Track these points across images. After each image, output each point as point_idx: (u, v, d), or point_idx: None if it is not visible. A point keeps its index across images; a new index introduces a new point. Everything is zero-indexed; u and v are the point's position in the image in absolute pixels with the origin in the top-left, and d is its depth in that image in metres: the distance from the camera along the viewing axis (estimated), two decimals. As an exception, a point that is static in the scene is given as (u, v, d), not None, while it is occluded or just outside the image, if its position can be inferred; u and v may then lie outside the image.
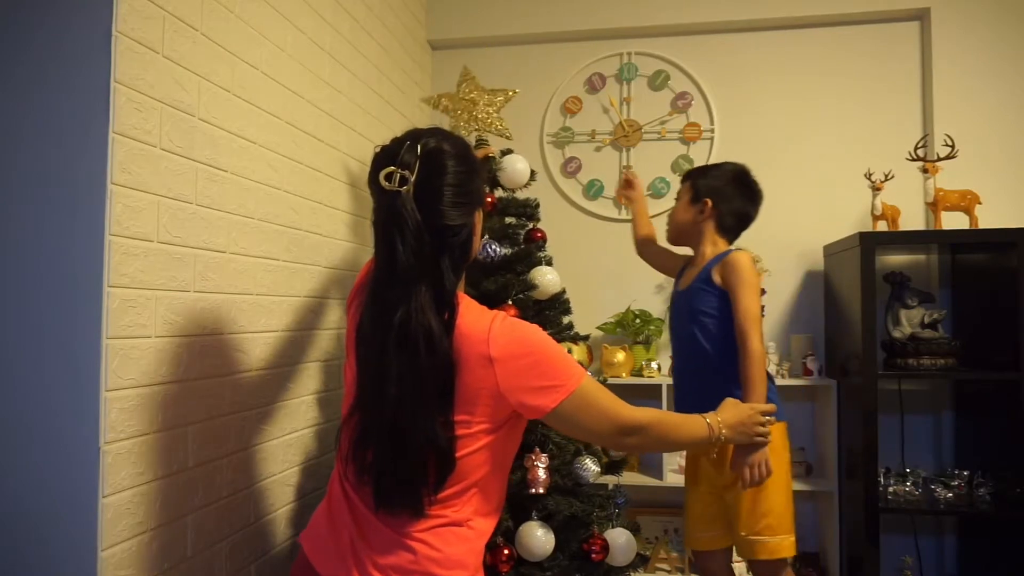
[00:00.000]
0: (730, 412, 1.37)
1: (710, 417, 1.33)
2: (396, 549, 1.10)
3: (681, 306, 1.95)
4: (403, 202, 1.08)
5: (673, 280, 2.13)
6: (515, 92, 2.23)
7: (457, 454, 1.10)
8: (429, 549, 1.10)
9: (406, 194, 1.08)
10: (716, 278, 1.85)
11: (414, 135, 1.16)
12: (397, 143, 1.14)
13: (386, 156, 1.12)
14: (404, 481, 1.09)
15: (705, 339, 1.86)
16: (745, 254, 1.84)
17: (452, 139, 1.18)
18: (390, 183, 1.08)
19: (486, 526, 1.19)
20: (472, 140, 2.12)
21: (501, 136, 2.20)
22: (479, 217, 1.21)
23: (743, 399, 1.69)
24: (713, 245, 1.94)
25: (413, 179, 1.09)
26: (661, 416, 1.25)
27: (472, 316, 1.11)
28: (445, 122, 2.26)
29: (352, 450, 1.13)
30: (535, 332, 1.13)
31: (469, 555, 1.14)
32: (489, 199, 2.01)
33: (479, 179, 1.20)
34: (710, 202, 1.92)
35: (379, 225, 1.11)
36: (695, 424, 1.31)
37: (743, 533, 1.82)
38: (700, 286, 1.88)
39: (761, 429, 1.42)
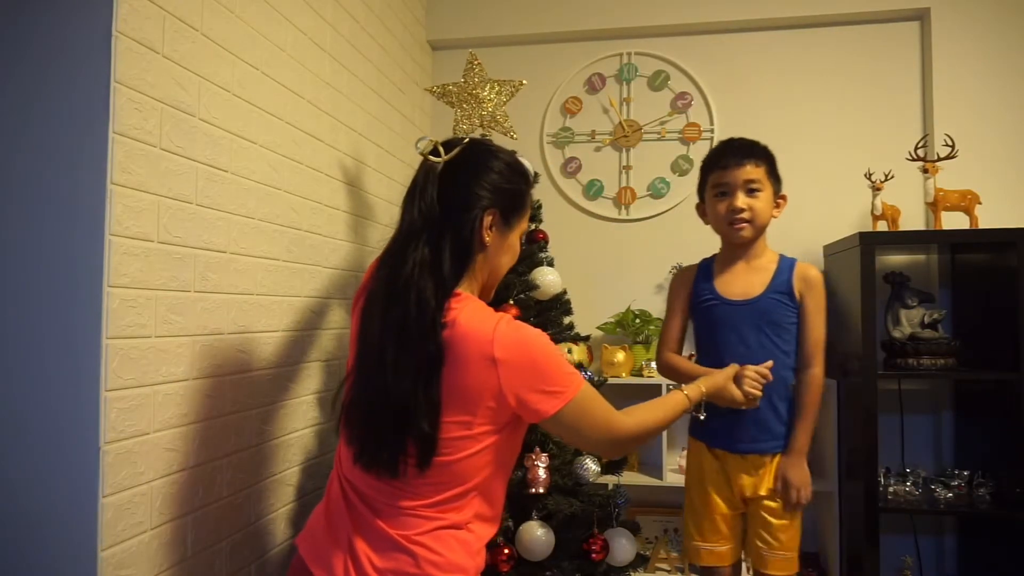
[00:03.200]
0: (711, 378, 1.50)
1: (688, 389, 1.41)
2: (396, 552, 1.10)
3: (744, 315, 1.71)
4: (427, 172, 1.17)
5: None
6: (522, 83, 2.22)
7: (457, 456, 1.11)
8: (429, 553, 1.10)
9: (433, 166, 1.17)
10: (797, 290, 1.71)
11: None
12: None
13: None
14: (382, 441, 1.11)
15: (780, 349, 1.71)
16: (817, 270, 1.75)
17: (506, 152, 1.27)
18: (424, 150, 1.18)
19: (486, 531, 1.19)
20: (476, 136, 2.10)
21: (506, 135, 2.20)
22: (496, 227, 1.20)
23: (798, 424, 1.71)
24: (766, 248, 1.77)
25: (447, 157, 1.18)
26: (645, 415, 1.27)
27: (477, 316, 1.12)
28: (449, 114, 2.25)
29: (345, 415, 1.18)
30: (539, 337, 1.14)
31: (469, 559, 1.14)
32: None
33: (511, 190, 1.22)
34: (786, 199, 1.76)
35: (407, 192, 1.19)
36: (674, 402, 1.36)
37: (777, 549, 1.70)
38: (778, 298, 1.70)
39: (749, 389, 1.51)
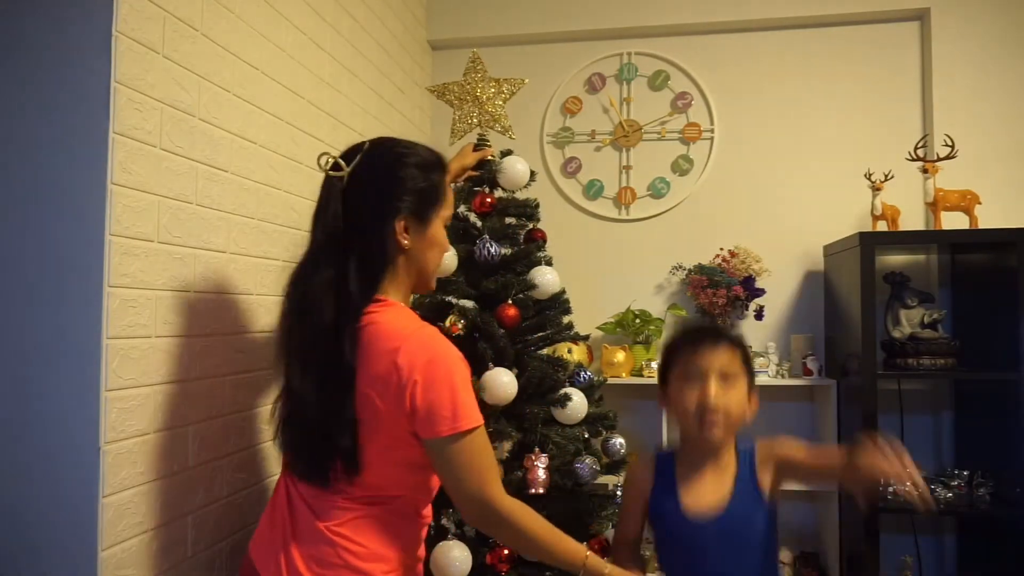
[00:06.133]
0: (624, 572, 1.26)
1: (594, 557, 1.22)
2: (318, 542, 1.14)
3: (709, 536, 1.32)
4: (328, 187, 1.17)
5: None
6: (524, 81, 2.22)
7: (374, 455, 1.13)
8: (347, 542, 1.13)
9: (334, 181, 1.16)
10: (765, 478, 1.34)
11: (379, 138, 1.24)
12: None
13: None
14: (311, 455, 1.15)
15: (763, 566, 1.35)
16: None
17: (416, 150, 1.23)
18: (323, 166, 1.17)
19: (414, 522, 1.23)
20: (475, 135, 2.10)
21: (504, 134, 2.19)
22: (412, 229, 1.20)
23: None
24: (730, 447, 1.39)
25: (348, 169, 1.16)
26: (532, 519, 1.18)
27: (395, 323, 1.14)
28: (448, 114, 2.25)
29: (281, 426, 1.22)
30: (455, 361, 1.13)
31: (390, 549, 1.17)
32: (489, 200, 2.00)
33: (419, 190, 1.20)
34: (757, 397, 1.40)
35: (314, 210, 1.20)
36: (573, 547, 1.21)
37: None
38: (748, 501, 1.33)
39: None
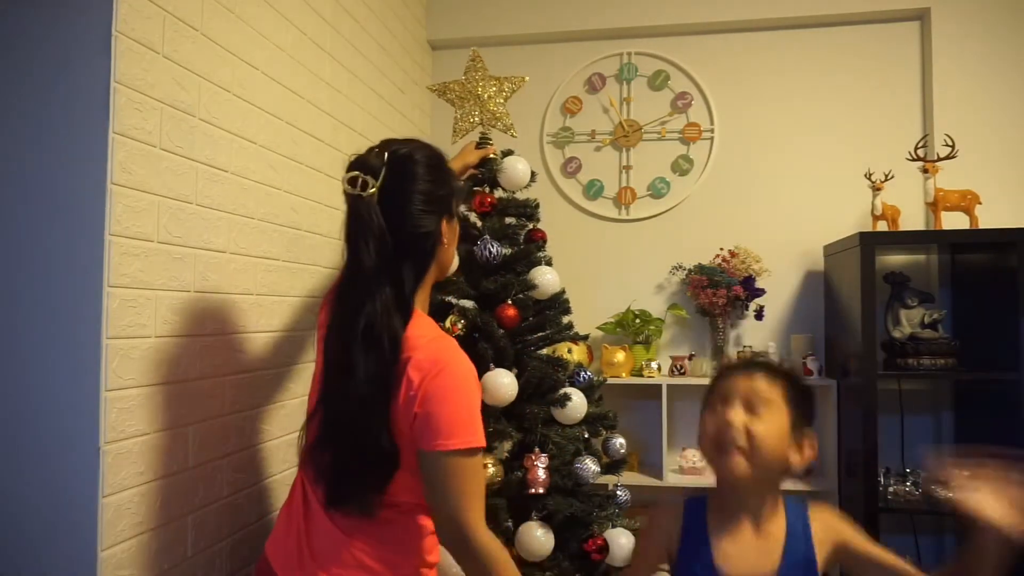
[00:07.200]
0: None
1: None
2: (339, 550, 1.14)
3: None
4: (367, 206, 1.12)
5: None
6: (524, 79, 2.21)
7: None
8: (364, 544, 1.14)
9: (370, 199, 1.12)
10: (820, 553, 1.17)
11: (385, 143, 1.21)
12: (368, 151, 1.18)
13: (356, 162, 1.16)
14: (359, 481, 1.13)
15: None
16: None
17: (424, 148, 1.23)
18: (353, 187, 1.12)
19: (427, 527, 1.23)
20: (476, 134, 2.11)
21: (506, 132, 2.19)
22: (447, 227, 1.23)
23: None
24: (776, 502, 1.19)
25: (378, 184, 1.13)
26: (504, 564, 1.11)
27: (416, 330, 1.14)
28: (449, 113, 2.25)
29: (313, 449, 1.17)
30: (464, 377, 1.12)
31: (406, 551, 1.18)
32: (489, 200, 2.00)
33: (448, 189, 1.23)
34: (816, 442, 1.18)
35: (346, 229, 1.15)
36: None
37: None
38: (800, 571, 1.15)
39: None
